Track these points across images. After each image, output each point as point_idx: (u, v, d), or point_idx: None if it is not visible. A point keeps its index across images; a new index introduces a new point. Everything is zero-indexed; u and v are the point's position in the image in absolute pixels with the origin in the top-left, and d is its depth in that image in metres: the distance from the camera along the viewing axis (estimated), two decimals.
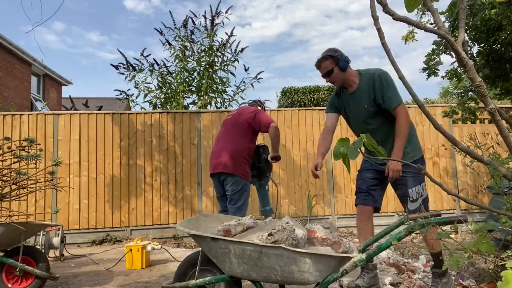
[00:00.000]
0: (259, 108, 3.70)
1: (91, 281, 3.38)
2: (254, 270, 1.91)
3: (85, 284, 3.33)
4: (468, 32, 4.43)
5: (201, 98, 7.09)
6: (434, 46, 4.47)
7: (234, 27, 7.16)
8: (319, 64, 2.77)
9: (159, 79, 7.22)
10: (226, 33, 7.25)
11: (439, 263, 2.58)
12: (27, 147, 3.38)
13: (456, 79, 4.68)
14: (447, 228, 3.28)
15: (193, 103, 7.23)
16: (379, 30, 1.51)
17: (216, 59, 7.27)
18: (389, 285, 2.92)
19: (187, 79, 7.28)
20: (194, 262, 2.20)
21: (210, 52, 7.16)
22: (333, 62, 2.71)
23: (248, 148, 3.49)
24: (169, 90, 7.19)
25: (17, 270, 2.96)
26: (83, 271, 3.81)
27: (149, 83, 7.25)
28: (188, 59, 7.23)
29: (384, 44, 1.51)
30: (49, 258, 4.01)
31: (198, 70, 7.24)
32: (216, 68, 7.27)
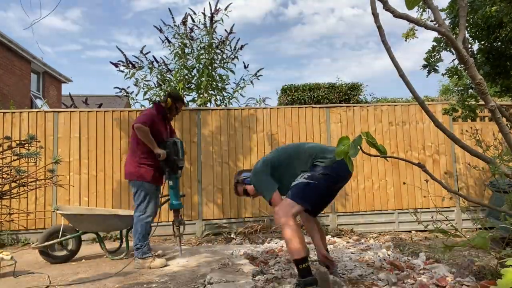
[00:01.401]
0: (151, 108, 4.08)
1: None
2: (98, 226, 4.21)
3: None
4: (468, 29, 4.42)
5: (201, 95, 7.08)
6: (435, 43, 4.46)
7: (234, 24, 7.14)
8: (236, 192, 3.23)
9: (159, 76, 7.21)
10: (226, 30, 7.23)
11: (301, 273, 2.57)
12: (27, 145, 3.37)
13: (457, 76, 4.67)
14: (446, 225, 3.29)
15: (193, 100, 7.22)
16: (379, 27, 1.50)
17: (215, 57, 7.26)
18: (390, 283, 2.93)
19: (186, 77, 7.27)
20: (53, 232, 4.13)
21: (210, 49, 7.14)
22: (241, 185, 3.14)
23: (142, 150, 3.82)
24: (169, 88, 7.17)
25: None
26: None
27: (149, 80, 7.24)
28: (188, 57, 7.22)
29: (384, 42, 1.51)
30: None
31: (197, 68, 7.22)
32: (216, 65, 7.25)
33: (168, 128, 4.14)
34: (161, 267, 3.70)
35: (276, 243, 4.59)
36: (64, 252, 4.19)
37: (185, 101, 4.19)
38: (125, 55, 7.00)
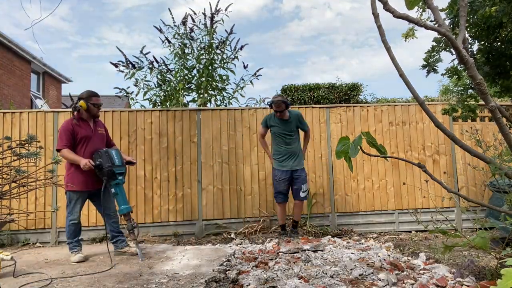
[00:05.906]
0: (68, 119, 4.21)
1: None
2: None
3: None
4: (468, 29, 4.41)
5: (201, 96, 7.08)
6: (434, 43, 4.46)
7: (234, 24, 7.15)
8: (278, 104, 4.85)
9: (159, 76, 7.21)
10: (226, 31, 7.23)
11: (296, 225, 5.08)
12: (27, 145, 3.37)
13: (457, 76, 4.67)
14: (446, 226, 3.29)
15: (193, 100, 7.23)
16: (379, 27, 1.50)
17: (215, 57, 7.26)
18: (389, 284, 2.93)
19: (186, 77, 7.28)
20: None
21: (210, 49, 7.15)
22: (285, 105, 4.92)
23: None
24: (169, 88, 7.18)
25: None
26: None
27: (149, 80, 7.24)
28: (188, 57, 7.23)
29: (384, 41, 1.51)
30: None
31: (197, 68, 7.23)
32: (216, 65, 7.26)
33: (95, 128, 4.23)
34: (78, 261, 3.99)
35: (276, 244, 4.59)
36: None
37: (96, 93, 4.24)
38: (125, 55, 7.01)
